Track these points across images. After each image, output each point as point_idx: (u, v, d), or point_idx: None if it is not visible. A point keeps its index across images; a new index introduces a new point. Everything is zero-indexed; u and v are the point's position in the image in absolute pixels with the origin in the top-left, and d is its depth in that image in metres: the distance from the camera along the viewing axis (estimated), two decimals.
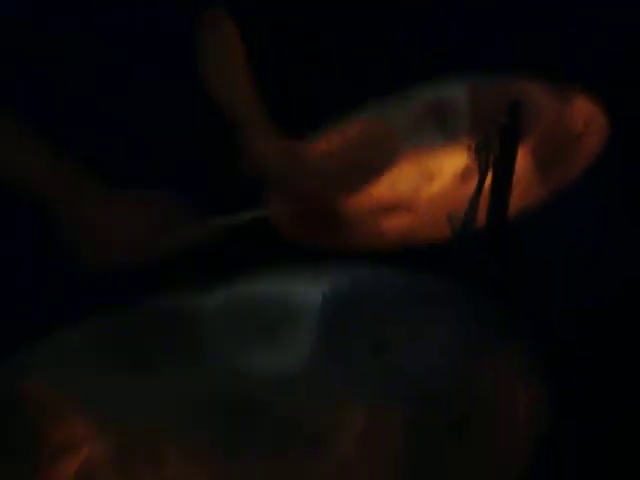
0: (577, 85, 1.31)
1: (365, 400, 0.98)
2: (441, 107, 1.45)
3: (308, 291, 1.07)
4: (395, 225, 1.29)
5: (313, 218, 1.28)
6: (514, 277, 1.09)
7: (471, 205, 1.01)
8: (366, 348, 1.02)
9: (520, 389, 0.88)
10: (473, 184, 1.28)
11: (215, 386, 1.03)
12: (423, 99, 1.46)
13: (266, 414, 1.00)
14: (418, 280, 1.05)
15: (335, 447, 0.95)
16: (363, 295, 1.06)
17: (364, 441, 0.95)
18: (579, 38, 1.42)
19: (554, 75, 1.33)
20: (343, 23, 1.48)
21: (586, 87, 1.29)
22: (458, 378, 0.95)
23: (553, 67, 1.33)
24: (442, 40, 1.49)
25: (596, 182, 1.16)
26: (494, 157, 1.00)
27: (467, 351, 0.97)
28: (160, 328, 1.06)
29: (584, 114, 1.27)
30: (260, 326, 1.07)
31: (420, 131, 1.44)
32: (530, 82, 1.34)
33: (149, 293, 1.07)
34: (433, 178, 1.37)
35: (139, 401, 1.02)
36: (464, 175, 1.34)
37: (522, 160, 1.21)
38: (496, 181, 1.01)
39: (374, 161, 1.37)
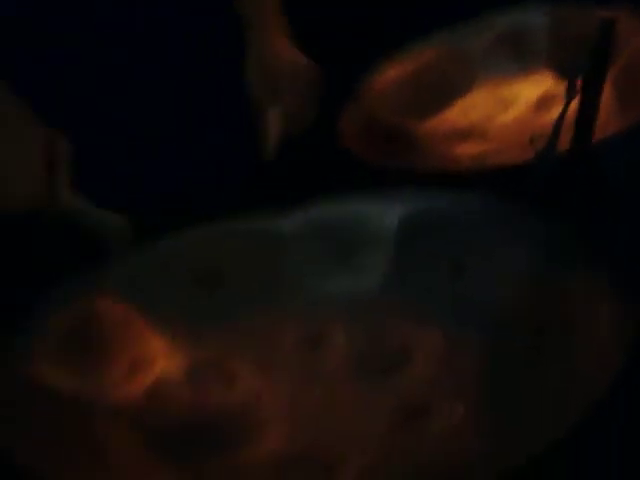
0: None
1: (441, 322, 0.98)
2: (518, 35, 1.42)
3: (385, 214, 1.06)
4: (468, 151, 1.28)
5: (387, 140, 1.27)
6: (595, 204, 1.07)
7: (555, 128, 0.99)
8: (442, 272, 1.02)
9: (601, 313, 0.86)
10: (548, 113, 1.27)
11: (291, 308, 1.03)
12: (499, 26, 1.43)
13: (341, 334, 1.00)
14: (495, 204, 1.04)
15: (411, 368, 0.95)
16: (439, 219, 1.05)
17: (440, 362, 0.95)
18: None
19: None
20: None
21: None
22: (535, 301, 0.94)
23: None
24: None
25: None
26: (583, 81, 0.98)
27: (544, 274, 0.96)
28: (237, 248, 1.06)
29: None
30: (337, 249, 1.06)
31: (496, 59, 1.41)
32: (614, 12, 1.31)
33: (226, 214, 1.07)
34: (508, 106, 1.35)
35: (212, 319, 1.02)
36: (539, 104, 1.32)
37: (604, 89, 1.18)
38: (583, 106, 0.99)
39: (447, 88, 1.35)
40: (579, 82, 0.97)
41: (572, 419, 0.74)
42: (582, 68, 0.96)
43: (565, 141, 1.01)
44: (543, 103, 1.31)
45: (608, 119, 1.18)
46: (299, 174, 1.24)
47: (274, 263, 1.06)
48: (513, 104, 1.35)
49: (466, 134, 1.31)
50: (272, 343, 1.01)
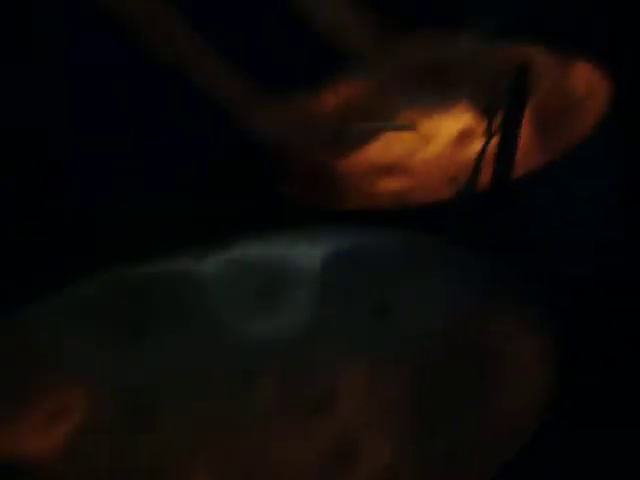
0: (579, 50, 1.30)
1: (368, 361, 0.97)
2: (439, 69, 1.43)
3: (307, 254, 1.05)
4: (390, 187, 1.28)
5: (309, 178, 1.26)
6: (514, 239, 1.08)
7: (475, 166, 1.00)
8: (367, 311, 1.01)
9: (529, 346, 0.87)
10: (469, 148, 1.28)
11: (213, 351, 1.01)
12: (421, 60, 1.44)
13: (265, 377, 0.99)
14: (418, 241, 1.04)
15: (337, 410, 0.94)
16: (363, 258, 1.04)
17: (368, 401, 0.94)
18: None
19: (556, 41, 1.32)
20: None
21: (588, 52, 1.28)
22: (462, 338, 0.94)
23: (555, 33, 1.31)
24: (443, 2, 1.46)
25: (599, 148, 1.15)
26: (500, 119, 0.98)
27: (470, 310, 0.96)
28: (157, 294, 1.04)
29: (586, 79, 1.26)
30: (259, 291, 1.04)
31: (417, 92, 1.42)
32: (531, 46, 1.33)
33: (146, 258, 1.05)
34: (429, 141, 1.35)
35: (134, 367, 1.00)
36: (460, 138, 1.33)
37: (523, 125, 1.19)
38: (502, 143, 0.99)
39: (369, 123, 1.35)
40: (498, 120, 0.98)
41: (504, 454, 0.74)
42: (500, 106, 0.97)
43: (486, 177, 1.02)
44: (464, 138, 1.32)
45: (530, 153, 1.20)
46: (223, 212, 1.23)
47: (196, 306, 1.04)
48: (434, 138, 1.35)
49: (388, 170, 1.31)
50: (197, 388, 0.99)
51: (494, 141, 1.02)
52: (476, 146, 1.06)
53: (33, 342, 0.98)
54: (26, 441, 0.91)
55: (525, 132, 1.22)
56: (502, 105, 0.98)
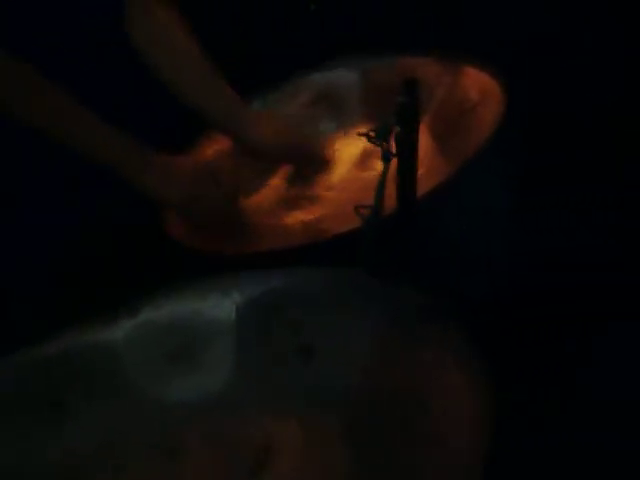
0: (469, 57, 1.28)
1: (298, 412, 0.93)
2: (331, 94, 1.40)
3: (220, 305, 1.01)
4: (298, 219, 1.25)
5: (214, 226, 1.22)
6: (427, 261, 1.06)
7: (378, 191, 0.97)
8: (291, 356, 0.97)
9: (457, 378, 0.84)
10: (372, 170, 1.25)
11: (135, 421, 0.96)
12: (312, 86, 1.42)
13: (194, 444, 0.94)
14: (334, 276, 1.00)
15: (276, 465, 0.90)
16: (278, 300, 1.00)
17: (303, 455, 0.90)
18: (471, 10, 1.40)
19: (444, 50, 1.30)
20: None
21: (479, 58, 1.26)
22: (391, 374, 0.91)
23: (443, 43, 1.30)
24: (326, 24, 1.45)
25: (497, 158, 1.14)
26: (395, 139, 0.96)
27: (395, 342, 0.93)
28: (70, 368, 0.98)
29: (478, 85, 1.25)
30: (175, 350, 1.00)
31: (312, 120, 1.39)
32: (418, 58, 1.31)
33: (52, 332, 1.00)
34: (333, 166, 1.33)
35: (53, 446, 0.94)
36: (362, 161, 1.31)
37: (421, 138, 1.17)
38: (401, 163, 0.97)
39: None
40: (391, 140, 0.95)
41: None
42: (393, 124, 0.94)
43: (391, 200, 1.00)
44: (366, 160, 1.30)
45: (432, 165, 1.17)
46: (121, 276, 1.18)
47: (111, 374, 0.99)
48: (336, 164, 1.33)
49: (295, 202, 1.28)
50: (118, 462, 0.94)
51: (394, 162, 0.99)
52: (381, 165, 1.03)
53: None
54: None
55: (425, 146, 1.21)
56: (394, 123, 0.95)
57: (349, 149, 1.33)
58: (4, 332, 1.11)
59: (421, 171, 1.14)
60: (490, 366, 0.80)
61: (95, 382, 0.99)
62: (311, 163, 1.31)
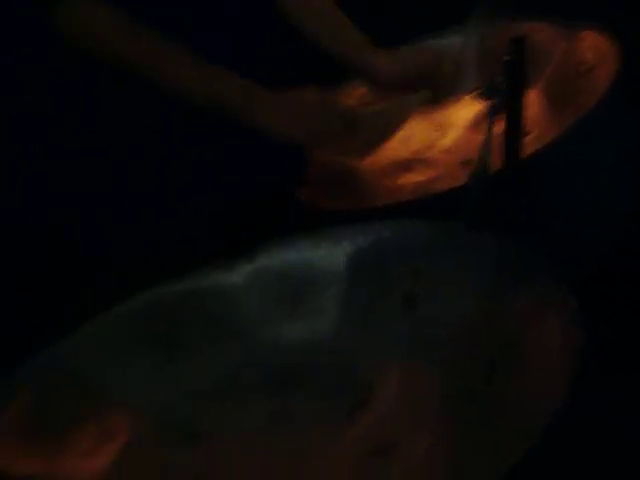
0: (584, 20, 1.29)
1: (399, 357, 0.97)
2: (447, 59, 1.42)
3: (331, 254, 1.06)
4: (412, 180, 1.28)
5: (331, 181, 1.27)
6: (531, 218, 1.07)
7: (484, 148, 1.00)
8: (395, 305, 1.01)
9: (550, 324, 0.86)
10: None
11: (249, 361, 1.02)
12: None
13: (302, 382, 0.99)
14: (439, 229, 1.04)
15: (374, 406, 0.94)
16: (386, 251, 1.04)
17: (401, 397, 0.94)
18: None
19: (559, 13, 1.31)
20: None
21: (594, 20, 1.26)
22: (489, 323, 0.94)
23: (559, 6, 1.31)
24: None
25: (610, 120, 1.14)
26: (503, 98, 0.98)
27: (496, 294, 0.95)
28: (189, 308, 1.06)
29: (593, 48, 1.25)
30: (287, 295, 1.06)
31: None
32: (533, 23, 1.32)
33: (173, 275, 1.07)
34: (445, 130, 1.36)
35: (176, 383, 1.01)
36: (476, 124, 1.33)
37: (535, 102, 1.19)
38: (508, 121, 0.99)
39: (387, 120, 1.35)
40: (498, 100, 0.98)
41: (533, 438, 0.74)
42: (499, 86, 0.96)
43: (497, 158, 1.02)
44: (480, 122, 1.31)
45: (545, 128, 1.19)
46: (244, 222, 1.24)
47: (227, 316, 1.06)
48: (450, 127, 1.35)
49: (408, 164, 1.32)
50: (236, 398, 1.00)
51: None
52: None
53: (79, 370, 1.00)
54: (74, 464, 0.93)
55: (537, 106, 1.22)
56: (502, 84, 0.97)
57: (463, 113, 1.35)
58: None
59: (535, 132, 1.16)
60: (588, 323, 0.82)
61: (213, 323, 1.05)
62: (439, 83, 1.36)
